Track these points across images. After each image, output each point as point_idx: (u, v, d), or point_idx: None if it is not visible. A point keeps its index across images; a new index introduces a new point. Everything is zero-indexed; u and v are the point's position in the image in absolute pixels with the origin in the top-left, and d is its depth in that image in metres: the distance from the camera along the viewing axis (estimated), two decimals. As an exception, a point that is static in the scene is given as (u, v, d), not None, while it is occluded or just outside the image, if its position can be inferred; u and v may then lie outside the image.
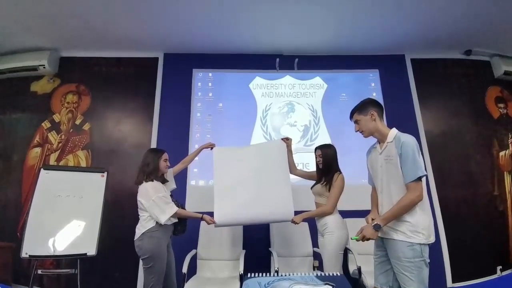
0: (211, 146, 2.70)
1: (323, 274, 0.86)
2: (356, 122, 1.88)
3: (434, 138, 3.66)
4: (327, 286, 0.78)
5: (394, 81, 3.84)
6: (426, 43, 3.73)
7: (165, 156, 2.39)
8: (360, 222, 2.87)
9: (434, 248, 3.07)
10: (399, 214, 1.63)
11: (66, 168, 3.20)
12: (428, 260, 1.60)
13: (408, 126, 3.44)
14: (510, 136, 3.78)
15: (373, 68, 3.91)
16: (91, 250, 2.70)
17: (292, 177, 2.58)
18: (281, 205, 2.38)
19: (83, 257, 2.68)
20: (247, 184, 2.46)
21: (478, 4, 3.04)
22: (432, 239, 1.63)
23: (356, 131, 1.90)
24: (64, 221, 2.74)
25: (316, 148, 2.54)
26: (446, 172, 3.50)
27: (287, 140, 2.62)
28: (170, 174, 2.51)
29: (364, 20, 3.32)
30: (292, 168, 2.63)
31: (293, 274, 0.90)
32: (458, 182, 3.53)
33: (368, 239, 1.68)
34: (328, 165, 2.42)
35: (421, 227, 1.61)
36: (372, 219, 1.74)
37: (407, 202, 1.60)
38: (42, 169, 2.87)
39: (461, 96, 3.86)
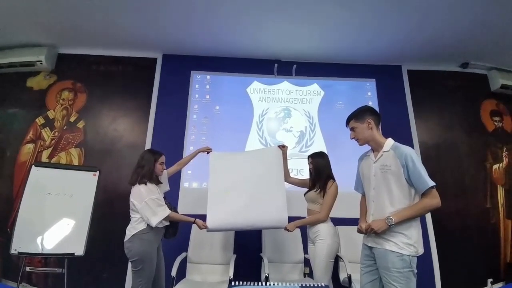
0: (208, 151, 2.67)
1: (307, 284, 0.85)
2: (352, 129, 1.86)
3: (428, 150, 3.67)
4: (311, 297, 0.77)
5: (390, 91, 3.87)
6: (423, 55, 3.75)
7: (162, 159, 2.35)
8: (352, 230, 2.86)
9: (425, 259, 3.08)
10: (416, 215, 1.64)
11: (57, 166, 3.16)
12: (416, 271, 1.60)
13: (403, 137, 3.43)
14: (504, 149, 3.80)
15: (370, 78, 3.93)
16: (79, 250, 2.66)
17: (285, 184, 2.57)
18: (275, 212, 2.36)
19: (70, 257, 2.65)
20: (242, 189, 2.44)
21: (476, 17, 3.06)
22: (420, 252, 1.64)
23: (351, 139, 1.88)
24: (53, 220, 2.71)
25: (308, 156, 2.56)
26: (439, 184, 3.47)
27: (283, 148, 2.62)
28: (164, 176, 2.47)
29: (363, 30, 3.34)
30: (286, 176, 2.62)
31: (280, 284, 0.89)
32: (451, 194, 3.53)
33: (371, 231, 1.66)
34: (319, 174, 2.44)
35: (414, 240, 1.61)
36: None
37: (428, 205, 1.64)
38: (33, 166, 2.85)
39: (456, 108, 3.89)
